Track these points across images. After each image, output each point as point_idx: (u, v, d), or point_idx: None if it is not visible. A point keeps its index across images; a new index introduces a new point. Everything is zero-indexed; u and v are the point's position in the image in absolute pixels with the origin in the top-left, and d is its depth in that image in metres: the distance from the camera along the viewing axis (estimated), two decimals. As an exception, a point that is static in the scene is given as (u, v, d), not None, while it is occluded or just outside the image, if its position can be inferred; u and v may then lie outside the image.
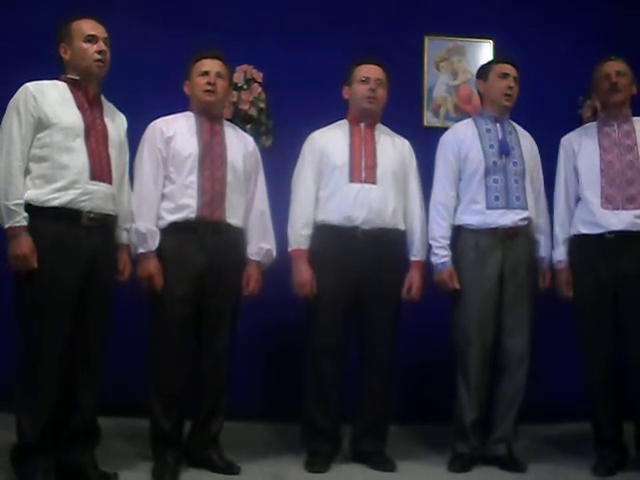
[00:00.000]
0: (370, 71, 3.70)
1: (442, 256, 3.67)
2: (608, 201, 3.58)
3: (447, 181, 3.74)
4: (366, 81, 3.68)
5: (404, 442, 4.02)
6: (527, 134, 3.85)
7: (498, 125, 3.77)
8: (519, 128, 3.83)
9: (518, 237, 3.66)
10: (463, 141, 3.75)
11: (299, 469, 3.56)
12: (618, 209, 3.55)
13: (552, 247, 3.77)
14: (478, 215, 3.66)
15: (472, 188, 3.69)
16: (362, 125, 3.74)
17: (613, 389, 3.59)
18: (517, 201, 3.67)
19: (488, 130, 3.76)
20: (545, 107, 4.56)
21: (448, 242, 3.69)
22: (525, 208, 3.67)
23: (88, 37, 3.19)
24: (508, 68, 3.76)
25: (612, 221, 3.54)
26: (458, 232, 3.71)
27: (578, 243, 3.67)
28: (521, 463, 3.60)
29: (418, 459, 3.78)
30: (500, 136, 3.75)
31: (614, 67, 3.66)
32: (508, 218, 3.64)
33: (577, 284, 3.66)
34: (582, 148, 3.71)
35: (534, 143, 3.85)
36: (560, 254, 3.72)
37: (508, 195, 3.67)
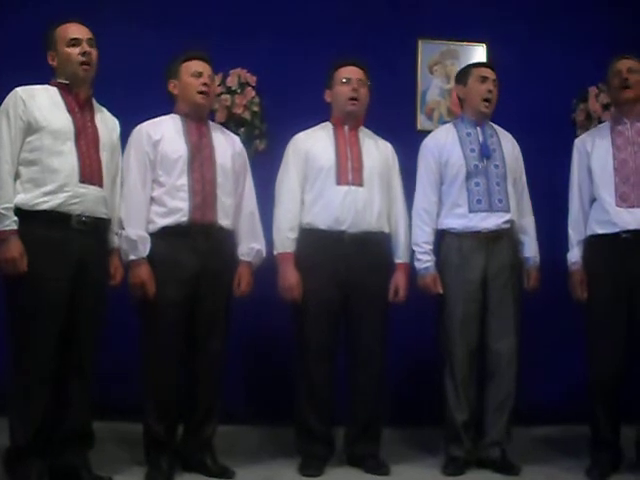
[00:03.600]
0: (351, 72, 3.70)
1: (425, 261, 3.68)
2: (622, 199, 3.56)
3: (429, 186, 3.74)
4: (348, 82, 3.68)
5: (398, 445, 4.03)
6: (508, 135, 3.85)
7: (478, 129, 3.77)
8: (500, 130, 3.83)
9: (501, 240, 3.66)
10: (444, 146, 3.75)
11: (293, 473, 3.56)
12: (633, 207, 3.54)
13: (537, 247, 3.78)
14: (461, 219, 3.67)
15: (454, 192, 3.70)
16: (346, 127, 3.74)
17: (616, 390, 3.59)
18: (499, 204, 3.67)
19: (468, 134, 3.76)
20: (538, 111, 4.57)
21: (431, 247, 3.70)
22: (507, 210, 3.68)
23: (71, 41, 3.20)
24: (487, 72, 3.76)
25: (627, 220, 3.53)
26: (442, 236, 3.72)
27: (593, 244, 3.66)
28: (515, 466, 3.60)
29: (412, 462, 3.78)
30: (481, 139, 3.75)
31: (626, 64, 3.65)
32: (491, 221, 3.65)
33: (592, 285, 3.65)
34: (595, 148, 3.70)
35: (516, 144, 3.85)
36: (574, 256, 3.70)
37: (490, 198, 3.67)
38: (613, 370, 3.56)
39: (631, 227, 3.52)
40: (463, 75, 3.84)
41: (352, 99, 3.68)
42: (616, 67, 3.68)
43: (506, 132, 3.85)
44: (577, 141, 3.82)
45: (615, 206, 3.56)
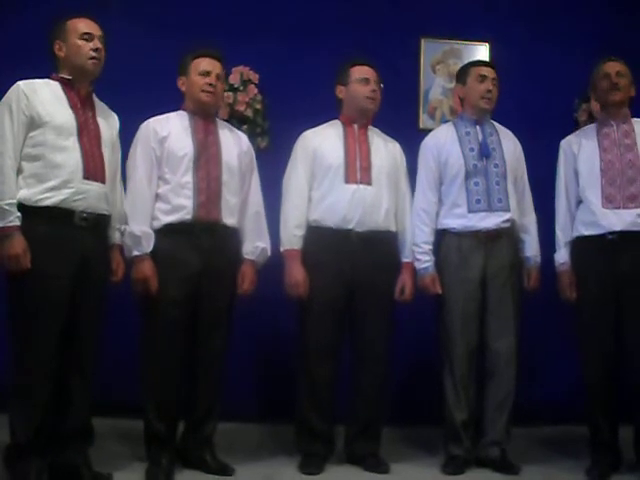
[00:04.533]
0: (369, 72, 3.71)
1: (424, 261, 3.68)
2: (609, 200, 3.58)
3: (428, 186, 3.75)
4: (367, 81, 3.68)
5: (398, 444, 4.03)
6: (510, 134, 3.85)
7: (478, 127, 3.77)
8: (501, 128, 3.83)
9: (501, 239, 3.66)
10: (443, 145, 3.75)
11: (293, 471, 3.56)
12: (619, 208, 3.55)
13: (538, 246, 3.78)
14: (460, 219, 3.67)
15: (454, 192, 3.70)
16: (355, 126, 3.74)
17: (611, 391, 3.59)
18: (499, 203, 3.67)
19: (467, 133, 3.76)
20: (541, 110, 4.57)
21: (430, 247, 3.70)
22: (507, 210, 3.68)
23: (84, 35, 3.19)
24: (486, 70, 3.76)
25: (613, 221, 3.54)
26: (442, 235, 3.72)
27: (580, 245, 3.67)
28: (514, 465, 3.60)
29: (412, 461, 3.79)
30: (480, 138, 3.75)
31: (614, 67, 3.67)
32: (490, 221, 3.64)
33: (579, 285, 3.66)
34: (582, 149, 3.71)
35: (517, 142, 3.85)
36: (562, 257, 3.71)
37: (490, 198, 3.67)
38: (604, 370, 3.57)
39: (617, 228, 3.53)
40: (462, 74, 3.84)
41: (372, 98, 3.68)
42: (604, 70, 3.69)
43: (507, 130, 3.85)
44: (563, 142, 3.82)
45: (601, 207, 3.58)
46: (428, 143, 3.82)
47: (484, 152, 3.72)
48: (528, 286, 3.75)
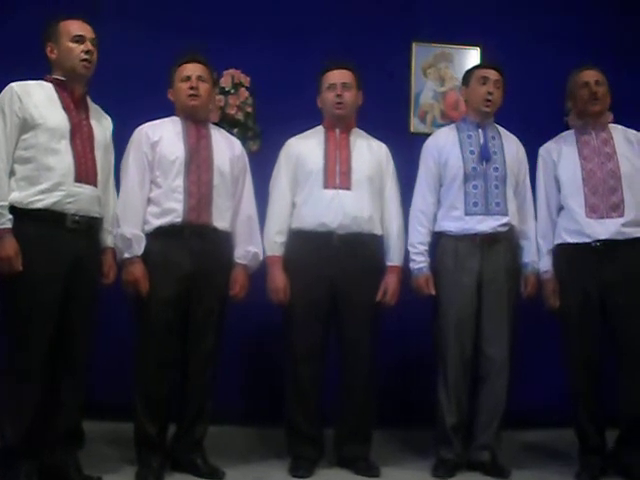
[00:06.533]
0: (336, 77, 3.70)
1: (419, 262, 3.68)
2: (592, 210, 3.58)
3: (427, 187, 3.75)
4: (332, 87, 3.68)
5: (388, 447, 4.03)
6: (514, 138, 3.84)
7: (480, 130, 3.77)
8: (505, 132, 3.83)
9: (498, 243, 3.65)
10: (443, 147, 3.75)
11: (283, 474, 3.56)
12: (602, 218, 3.56)
13: (537, 253, 3.75)
14: (457, 221, 3.67)
15: (452, 194, 3.70)
16: (337, 131, 3.74)
17: (596, 396, 3.59)
18: (497, 207, 3.66)
19: (469, 136, 3.76)
20: (532, 114, 4.57)
21: (426, 248, 3.70)
22: (505, 214, 3.67)
23: (75, 37, 3.19)
24: (488, 72, 3.75)
25: (598, 230, 3.54)
26: (438, 238, 3.72)
27: (563, 252, 3.67)
28: (505, 469, 3.60)
29: (402, 464, 3.78)
30: (481, 141, 3.75)
31: (593, 76, 3.68)
32: (487, 224, 3.64)
33: (563, 293, 3.66)
34: (562, 157, 3.71)
35: (521, 147, 3.84)
36: (545, 265, 3.71)
37: (487, 201, 3.66)
38: (589, 377, 3.58)
39: (602, 237, 3.54)
40: (467, 76, 3.84)
41: (337, 103, 3.68)
42: (582, 79, 3.70)
43: (511, 135, 3.84)
44: (542, 150, 3.82)
45: (585, 217, 3.58)
46: (429, 144, 3.82)
47: (484, 155, 3.71)
48: (525, 292, 3.73)
